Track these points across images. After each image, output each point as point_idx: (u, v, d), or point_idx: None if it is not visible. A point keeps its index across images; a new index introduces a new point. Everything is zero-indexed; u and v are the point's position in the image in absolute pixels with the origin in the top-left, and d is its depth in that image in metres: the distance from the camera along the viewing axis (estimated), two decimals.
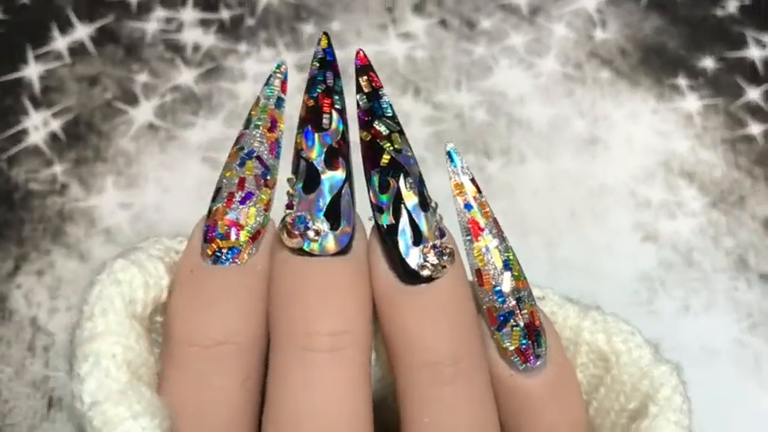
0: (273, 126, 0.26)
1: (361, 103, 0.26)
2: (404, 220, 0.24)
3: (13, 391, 0.41)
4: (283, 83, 0.27)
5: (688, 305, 0.43)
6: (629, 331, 0.25)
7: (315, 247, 0.24)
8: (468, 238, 0.25)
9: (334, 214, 0.24)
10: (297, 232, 0.24)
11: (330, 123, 0.25)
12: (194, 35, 0.50)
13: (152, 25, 0.51)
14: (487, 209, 0.25)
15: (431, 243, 0.24)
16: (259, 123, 0.26)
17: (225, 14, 0.51)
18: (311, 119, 0.25)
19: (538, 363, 0.25)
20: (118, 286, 0.22)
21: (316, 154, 0.25)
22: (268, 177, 0.25)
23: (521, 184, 0.46)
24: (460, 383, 0.24)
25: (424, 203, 0.24)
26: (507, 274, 0.24)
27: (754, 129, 0.48)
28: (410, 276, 0.24)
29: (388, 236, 0.24)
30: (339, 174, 0.25)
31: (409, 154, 0.25)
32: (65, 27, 0.50)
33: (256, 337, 0.24)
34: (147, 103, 0.48)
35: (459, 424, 0.23)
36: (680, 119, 0.48)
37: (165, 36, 0.50)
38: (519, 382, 0.25)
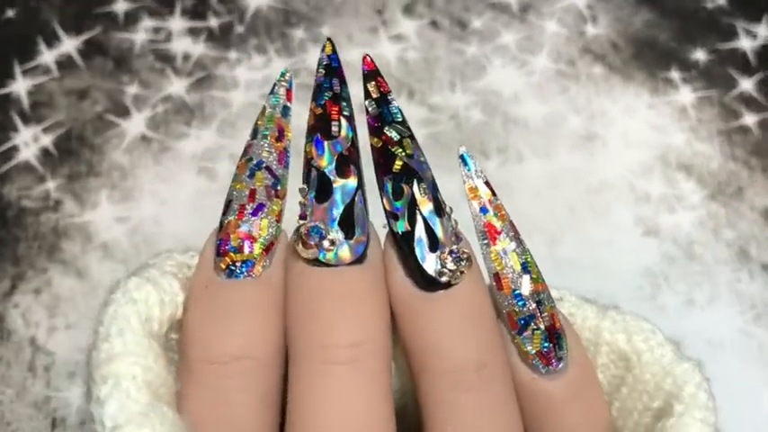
0: (281, 135, 0.26)
1: (370, 108, 0.25)
2: (419, 226, 0.24)
3: (15, 412, 0.40)
4: (288, 91, 0.27)
5: (692, 299, 0.43)
6: (649, 330, 0.25)
7: (330, 257, 0.24)
8: (485, 241, 0.24)
9: (348, 223, 0.24)
10: (312, 243, 0.23)
11: (339, 131, 0.25)
12: (184, 44, 0.50)
13: (140, 36, 0.50)
14: (503, 211, 0.25)
15: (448, 249, 0.24)
16: (266, 133, 0.26)
17: (213, 22, 0.51)
18: (320, 127, 0.25)
19: (560, 365, 0.24)
20: (134, 305, 0.22)
21: (326, 162, 0.24)
22: (278, 188, 0.25)
23: (519, 182, 0.46)
24: (484, 390, 0.23)
25: (439, 209, 0.24)
26: (526, 277, 0.24)
27: (749, 119, 0.48)
28: (428, 283, 0.24)
29: (404, 243, 0.24)
30: (351, 181, 0.24)
31: (422, 159, 0.25)
32: (51, 40, 0.50)
33: (274, 352, 0.24)
34: (138, 114, 0.48)
35: (484, 431, 0.23)
36: (675, 112, 0.48)
37: (154, 46, 0.50)
38: (541, 385, 0.24)
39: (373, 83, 0.25)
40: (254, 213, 0.25)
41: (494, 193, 0.25)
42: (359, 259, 0.24)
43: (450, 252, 0.24)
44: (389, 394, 0.23)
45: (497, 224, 0.25)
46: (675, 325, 0.42)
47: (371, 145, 0.25)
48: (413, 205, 0.24)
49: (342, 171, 0.24)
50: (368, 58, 0.26)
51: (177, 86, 0.48)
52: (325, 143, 0.25)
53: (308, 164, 0.25)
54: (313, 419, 0.23)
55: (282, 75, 0.27)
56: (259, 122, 0.26)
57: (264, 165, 0.25)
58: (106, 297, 0.23)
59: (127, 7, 0.51)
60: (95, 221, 0.44)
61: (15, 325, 0.42)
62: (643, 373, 0.25)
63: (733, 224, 0.45)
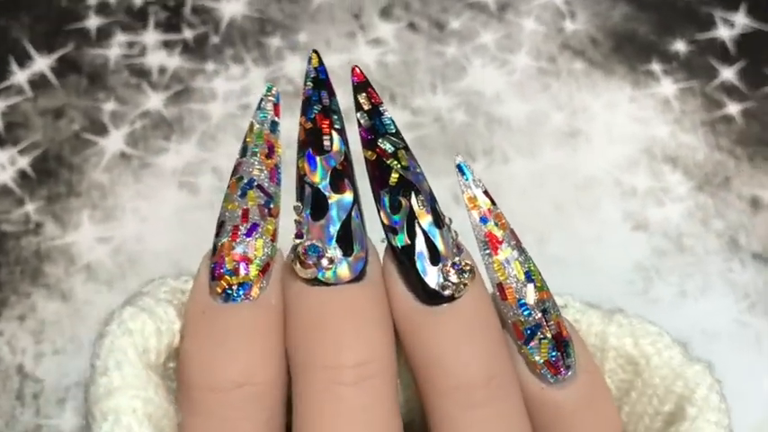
0: (271, 152, 0.25)
1: (362, 121, 0.25)
2: (420, 239, 0.23)
3: None
4: (276, 105, 0.26)
5: (685, 291, 0.43)
6: (656, 332, 0.25)
7: (329, 275, 0.23)
8: (487, 252, 0.24)
9: (345, 240, 0.23)
10: (310, 262, 0.23)
11: (332, 145, 0.24)
12: (159, 58, 0.49)
13: (114, 51, 0.49)
14: (504, 220, 0.24)
15: (450, 261, 0.23)
16: (256, 150, 0.25)
17: (188, 34, 0.50)
18: (311, 141, 0.24)
19: (568, 373, 0.24)
20: (130, 336, 0.21)
21: (320, 178, 0.24)
22: (271, 206, 0.24)
23: (507, 183, 0.45)
24: (493, 404, 0.23)
25: (439, 220, 0.24)
26: (530, 286, 0.24)
27: (732, 108, 0.48)
28: (431, 297, 0.23)
29: (404, 257, 0.23)
30: (347, 196, 0.24)
31: (418, 170, 0.24)
32: (23, 60, 0.49)
33: (277, 375, 0.23)
34: (116, 131, 0.47)
35: None
36: (657, 104, 0.48)
37: (129, 61, 0.49)
38: (550, 395, 0.24)
39: (364, 94, 0.25)
40: (249, 234, 0.24)
41: (493, 202, 0.24)
42: (358, 276, 0.23)
43: (453, 264, 0.23)
44: (397, 412, 0.23)
45: (498, 233, 0.24)
46: (670, 318, 0.42)
47: (365, 158, 0.24)
48: (411, 218, 0.23)
49: (336, 186, 0.24)
50: (357, 70, 0.25)
51: (154, 101, 0.48)
52: (318, 158, 0.24)
53: (302, 180, 0.24)
54: None
55: (269, 89, 0.26)
56: (248, 139, 0.25)
57: (256, 183, 0.25)
58: (101, 329, 0.22)
59: (99, 23, 0.50)
60: (77, 243, 0.44)
61: (1, 353, 0.41)
62: (652, 377, 0.24)
63: (721, 214, 0.45)
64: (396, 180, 0.24)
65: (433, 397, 0.23)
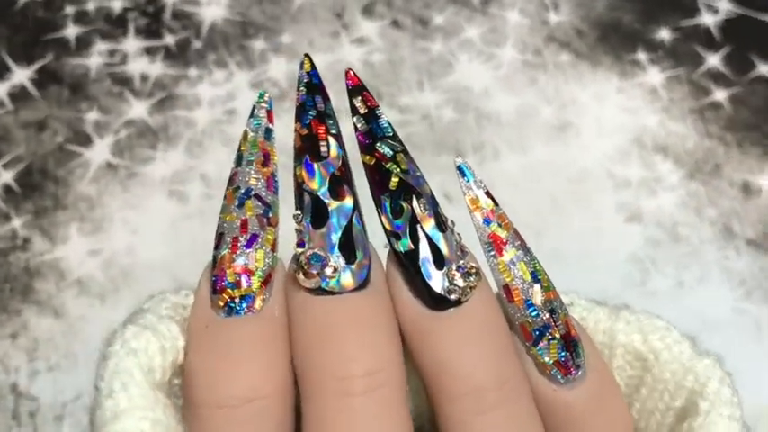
0: (267, 160, 0.25)
1: (359, 125, 0.24)
2: (423, 244, 0.23)
3: None
4: (269, 112, 0.25)
5: (682, 281, 0.43)
6: (664, 327, 0.24)
7: (333, 284, 0.23)
8: (492, 253, 0.24)
9: (348, 247, 0.23)
10: (314, 271, 0.22)
11: (329, 150, 0.24)
12: (140, 65, 0.48)
13: (95, 60, 0.48)
14: (507, 220, 0.24)
15: (455, 264, 0.23)
16: (252, 159, 0.25)
17: (169, 40, 0.49)
18: (308, 148, 0.24)
19: (579, 373, 0.24)
20: (134, 356, 0.21)
21: (319, 185, 0.23)
22: (270, 215, 0.24)
23: (499, 179, 0.45)
24: (506, 407, 0.22)
25: (441, 224, 0.23)
26: (537, 287, 0.23)
27: (719, 95, 0.48)
28: (437, 302, 0.23)
29: (408, 262, 0.23)
30: (347, 202, 0.23)
31: (418, 174, 0.24)
32: (2, 72, 0.48)
33: (284, 388, 0.23)
34: (101, 141, 0.46)
35: None
36: (645, 94, 0.48)
37: (110, 69, 0.48)
38: (561, 395, 0.24)
39: (359, 98, 0.24)
40: (248, 245, 0.23)
41: (495, 203, 0.24)
42: (362, 284, 0.23)
43: (458, 268, 0.23)
44: (409, 419, 0.23)
45: (502, 234, 0.24)
46: (669, 309, 0.42)
47: (364, 163, 0.24)
48: (414, 223, 0.23)
49: (336, 193, 0.23)
50: (351, 73, 0.25)
51: (138, 109, 0.47)
52: (315, 165, 0.24)
53: (300, 188, 0.24)
54: None
55: (261, 96, 0.25)
56: (242, 148, 0.25)
57: (253, 192, 0.24)
58: (103, 349, 0.21)
59: (78, 32, 0.49)
60: (67, 257, 0.43)
61: None
62: (662, 372, 0.24)
63: (714, 202, 0.45)
64: (396, 184, 0.23)
65: (443, 403, 0.23)
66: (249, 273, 0.23)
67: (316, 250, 0.23)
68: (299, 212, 0.23)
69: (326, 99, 0.25)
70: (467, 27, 0.50)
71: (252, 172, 0.24)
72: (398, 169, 0.24)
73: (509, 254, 0.24)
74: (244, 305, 0.23)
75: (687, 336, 0.24)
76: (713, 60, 0.49)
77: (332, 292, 0.23)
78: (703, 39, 0.50)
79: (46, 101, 0.47)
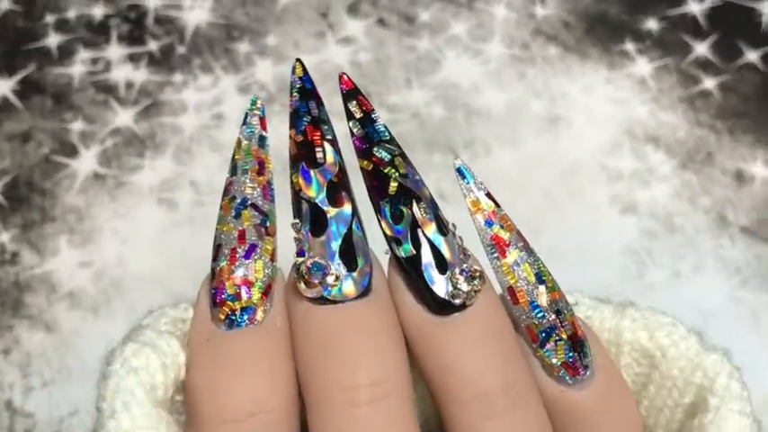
0: (262, 168, 0.24)
1: (355, 130, 0.24)
2: (425, 248, 0.23)
3: None
4: (262, 119, 0.25)
5: (678, 271, 0.43)
6: (670, 323, 0.24)
7: (335, 293, 0.22)
8: (495, 255, 0.23)
9: (348, 254, 0.23)
10: (316, 281, 0.22)
11: (325, 157, 0.23)
12: (124, 72, 0.48)
13: (78, 68, 0.48)
14: (509, 222, 0.24)
15: (458, 268, 0.22)
16: (246, 167, 0.24)
17: (153, 46, 0.49)
18: (304, 155, 0.23)
19: (587, 373, 0.23)
20: (135, 375, 0.20)
21: (317, 192, 0.23)
22: (268, 224, 0.24)
23: (492, 175, 0.45)
24: (514, 411, 0.22)
25: (443, 227, 0.23)
26: (542, 288, 0.23)
27: (708, 83, 0.48)
28: (441, 307, 0.23)
29: (410, 267, 0.23)
30: (346, 209, 0.23)
31: (417, 177, 0.23)
32: None
33: (289, 400, 0.22)
34: (87, 152, 0.45)
35: None
36: (634, 84, 0.48)
37: (94, 78, 0.47)
38: (570, 396, 0.23)
39: (354, 102, 0.24)
40: (247, 256, 0.23)
41: (497, 205, 0.24)
42: (365, 291, 0.23)
43: (462, 271, 0.22)
44: (417, 429, 0.22)
45: (505, 236, 0.23)
46: (667, 301, 0.42)
47: (361, 168, 0.24)
48: (415, 227, 0.23)
49: (334, 199, 0.23)
50: (345, 77, 0.24)
51: (124, 117, 0.46)
52: (312, 172, 0.23)
53: (297, 196, 0.23)
54: None
55: (253, 103, 0.25)
56: (236, 157, 0.24)
57: (250, 202, 0.24)
58: (103, 368, 0.21)
59: (59, 40, 0.48)
60: (57, 270, 0.42)
61: None
62: (670, 369, 0.24)
63: (707, 191, 0.45)
64: (395, 189, 0.23)
65: (451, 409, 0.22)
66: (249, 284, 0.23)
67: (316, 259, 0.22)
68: (298, 221, 0.23)
69: (320, 104, 0.24)
70: (453, 23, 0.50)
71: (247, 181, 0.24)
72: (397, 173, 0.23)
73: (512, 255, 0.23)
74: (245, 317, 0.22)
75: (694, 331, 0.24)
76: (701, 49, 0.49)
77: (334, 301, 0.22)
78: (690, 27, 0.50)
79: (29, 112, 0.46)
